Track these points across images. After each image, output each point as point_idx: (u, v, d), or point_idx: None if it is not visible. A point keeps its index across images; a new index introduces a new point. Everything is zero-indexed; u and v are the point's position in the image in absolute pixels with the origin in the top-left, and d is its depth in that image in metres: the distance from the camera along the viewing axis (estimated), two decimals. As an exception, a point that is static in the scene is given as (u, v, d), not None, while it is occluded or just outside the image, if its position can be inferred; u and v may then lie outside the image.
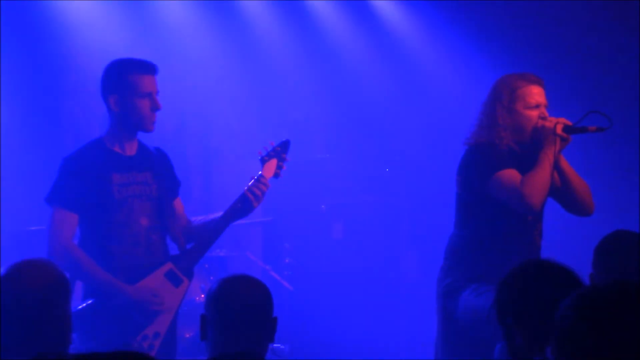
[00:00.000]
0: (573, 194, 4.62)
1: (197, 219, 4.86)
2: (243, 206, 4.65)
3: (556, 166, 4.48)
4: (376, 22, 7.89)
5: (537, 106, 4.53)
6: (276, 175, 4.76)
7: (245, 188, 4.64)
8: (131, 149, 4.61)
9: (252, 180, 4.65)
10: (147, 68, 4.54)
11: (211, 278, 6.45)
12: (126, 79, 4.49)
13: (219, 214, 4.70)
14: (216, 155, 7.92)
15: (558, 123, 4.42)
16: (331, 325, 6.83)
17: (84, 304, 4.40)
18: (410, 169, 7.70)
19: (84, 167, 4.48)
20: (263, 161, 4.73)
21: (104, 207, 4.46)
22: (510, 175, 4.42)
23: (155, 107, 4.51)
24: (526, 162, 4.50)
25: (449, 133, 6.35)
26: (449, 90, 7.46)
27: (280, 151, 4.78)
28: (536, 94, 4.56)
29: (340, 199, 7.87)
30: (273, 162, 4.75)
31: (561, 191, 4.62)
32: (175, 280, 4.57)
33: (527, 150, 4.55)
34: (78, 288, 4.53)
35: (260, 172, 4.69)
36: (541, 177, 4.39)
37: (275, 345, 3.45)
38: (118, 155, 4.55)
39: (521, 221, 4.56)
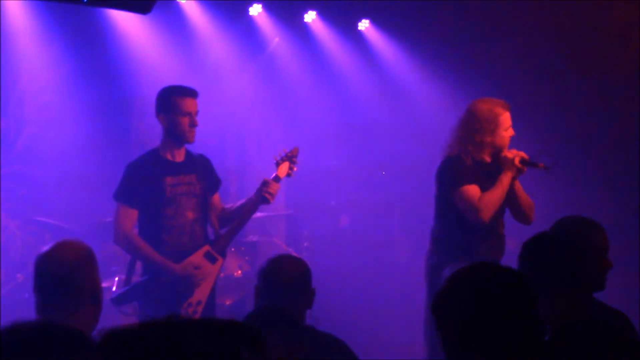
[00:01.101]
0: (520, 208, 4.75)
1: (228, 205, 4.92)
2: (257, 201, 4.70)
3: (510, 187, 4.61)
4: (377, 58, 7.96)
5: (508, 129, 4.66)
6: (288, 175, 4.80)
7: (259, 188, 4.70)
8: (180, 156, 4.66)
9: (263, 183, 4.70)
10: (188, 92, 4.62)
11: (246, 258, 6.56)
12: (171, 101, 4.57)
13: (243, 202, 4.78)
14: (249, 163, 7.90)
15: (517, 156, 4.57)
16: (341, 293, 6.84)
17: (142, 279, 4.53)
18: (401, 173, 7.70)
19: (143, 171, 4.58)
20: (277, 164, 4.79)
21: (158, 203, 4.53)
22: (472, 190, 4.54)
23: (192, 124, 4.56)
24: (491, 171, 4.64)
25: (430, 145, 6.44)
26: (431, 111, 7.46)
27: (291, 155, 4.82)
28: (509, 118, 4.67)
29: (346, 196, 7.89)
30: (285, 165, 4.79)
31: (512, 204, 4.75)
32: (212, 258, 4.60)
33: (493, 162, 4.68)
34: (138, 266, 4.67)
35: (275, 173, 4.74)
36: (495, 197, 4.53)
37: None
38: (169, 161, 4.62)
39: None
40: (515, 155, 4.59)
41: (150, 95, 7.30)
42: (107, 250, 6.22)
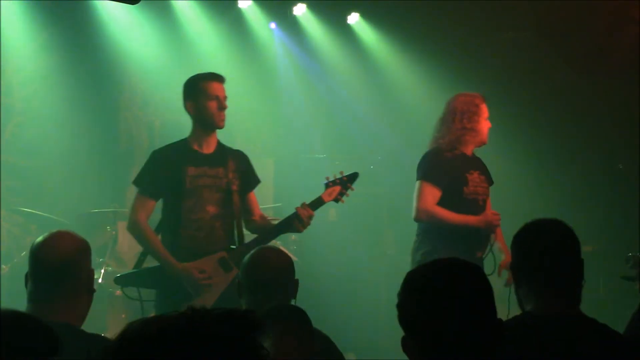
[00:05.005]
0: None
1: (267, 218, 4.70)
2: (293, 224, 4.41)
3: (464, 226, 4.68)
4: (367, 51, 8.00)
5: (487, 118, 4.82)
6: (336, 200, 4.55)
7: (298, 208, 4.40)
8: (209, 148, 4.46)
9: (305, 203, 4.42)
10: (215, 77, 4.46)
11: None
12: (198, 86, 4.42)
13: (277, 220, 4.59)
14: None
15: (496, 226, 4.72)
16: (328, 287, 6.84)
17: (151, 266, 4.42)
18: (390, 166, 7.73)
19: (165, 159, 4.41)
20: (326, 186, 4.54)
21: (178, 193, 4.35)
22: (428, 190, 4.65)
23: (221, 107, 4.38)
24: (471, 164, 4.78)
25: (418, 138, 6.48)
26: (419, 105, 7.46)
27: (347, 181, 4.56)
28: (486, 110, 4.84)
29: None
30: (336, 189, 4.53)
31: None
32: (226, 267, 4.33)
33: (474, 156, 4.82)
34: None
35: (320, 195, 4.49)
36: (445, 220, 4.64)
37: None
38: (195, 152, 4.43)
39: (472, 204, 4.76)
40: (497, 221, 4.72)
41: (136, 87, 7.37)
42: (93, 241, 6.20)
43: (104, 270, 6.08)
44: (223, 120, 4.43)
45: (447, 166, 4.70)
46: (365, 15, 7.90)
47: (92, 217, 6.51)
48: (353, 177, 4.61)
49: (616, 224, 6.85)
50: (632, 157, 6.89)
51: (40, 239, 2.80)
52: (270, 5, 7.57)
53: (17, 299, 2.75)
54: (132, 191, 4.54)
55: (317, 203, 4.46)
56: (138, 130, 7.40)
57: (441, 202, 4.70)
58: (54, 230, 2.85)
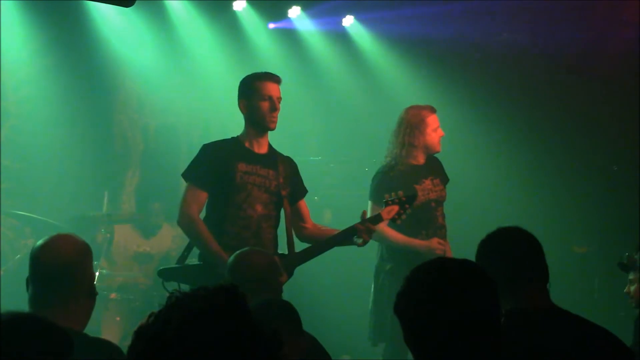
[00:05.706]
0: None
1: (321, 228, 4.67)
2: (352, 238, 4.39)
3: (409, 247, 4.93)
4: (362, 54, 8.01)
5: (436, 129, 5.05)
6: (394, 220, 4.55)
7: (357, 223, 4.35)
8: (260, 148, 4.41)
9: (365, 219, 4.37)
10: (270, 77, 4.39)
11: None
12: (252, 85, 4.36)
13: (334, 232, 4.49)
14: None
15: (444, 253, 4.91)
16: (323, 287, 6.87)
17: (195, 263, 4.34)
18: None
19: (217, 153, 4.33)
20: (386, 204, 4.52)
21: (227, 188, 4.27)
22: (376, 211, 4.71)
23: (273, 108, 4.31)
24: (424, 172, 5.02)
25: None
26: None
27: (405, 202, 4.53)
28: (436, 120, 5.06)
29: (329, 191, 7.82)
30: (394, 208, 4.50)
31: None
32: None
33: (427, 164, 5.05)
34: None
35: (379, 213, 4.48)
36: (390, 240, 4.97)
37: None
38: (247, 149, 4.37)
39: (423, 210, 4.99)
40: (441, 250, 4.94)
41: (131, 89, 7.36)
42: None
43: (98, 272, 6.08)
44: (274, 122, 4.36)
45: (393, 184, 4.79)
46: (360, 17, 7.90)
47: (86, 220, 6.49)
48: (412, 198, 4.61)
49: (611, 225, 6.87)
50: (627, 158, 6.92)
51: (40, 242, 2.75)
52: (265, 7, 7.56)
53: (12, 302, 2.73)
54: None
55: (377, 219, 4.45)
56: (133, 132, 7.38)
57: None
58: (55, 233, 2.80)
